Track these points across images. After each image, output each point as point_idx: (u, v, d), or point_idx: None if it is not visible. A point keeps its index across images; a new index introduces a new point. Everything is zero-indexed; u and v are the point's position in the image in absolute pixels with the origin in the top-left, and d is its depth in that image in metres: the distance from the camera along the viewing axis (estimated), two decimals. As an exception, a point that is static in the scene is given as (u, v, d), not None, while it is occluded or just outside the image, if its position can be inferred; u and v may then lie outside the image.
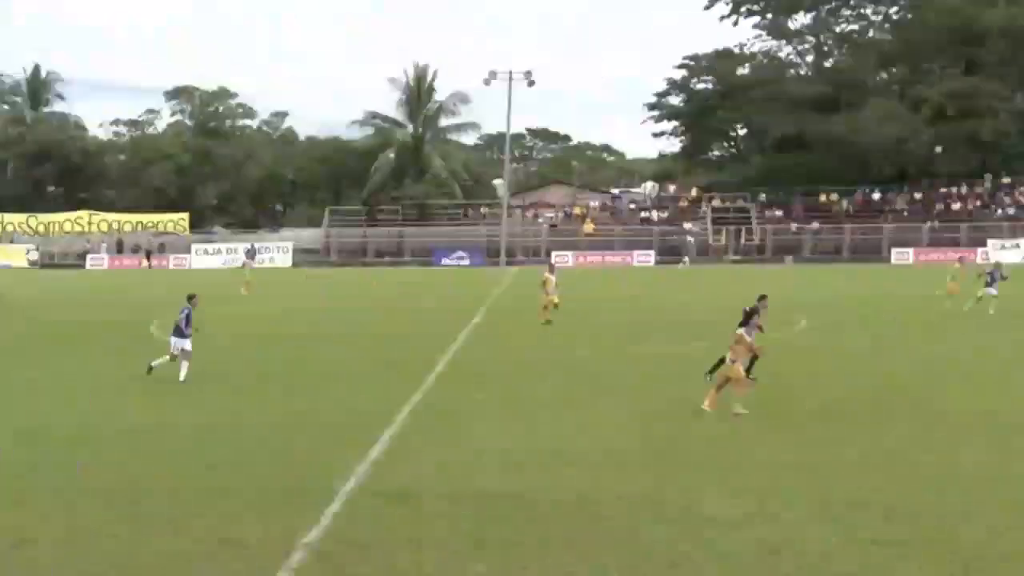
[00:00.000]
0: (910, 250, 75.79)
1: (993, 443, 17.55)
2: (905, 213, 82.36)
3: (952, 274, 41.74)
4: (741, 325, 21.19)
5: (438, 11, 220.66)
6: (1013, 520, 12.94)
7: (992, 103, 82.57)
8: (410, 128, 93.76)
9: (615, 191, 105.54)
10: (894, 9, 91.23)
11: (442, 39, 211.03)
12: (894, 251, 76.06)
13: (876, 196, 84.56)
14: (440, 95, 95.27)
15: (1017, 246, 74.42)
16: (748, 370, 22.01)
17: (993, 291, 37.08)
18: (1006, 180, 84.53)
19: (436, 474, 15.26)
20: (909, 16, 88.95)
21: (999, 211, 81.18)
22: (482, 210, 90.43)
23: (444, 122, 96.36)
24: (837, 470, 15.57)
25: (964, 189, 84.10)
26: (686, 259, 73.90)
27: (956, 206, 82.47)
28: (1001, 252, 72.26)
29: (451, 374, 25.14)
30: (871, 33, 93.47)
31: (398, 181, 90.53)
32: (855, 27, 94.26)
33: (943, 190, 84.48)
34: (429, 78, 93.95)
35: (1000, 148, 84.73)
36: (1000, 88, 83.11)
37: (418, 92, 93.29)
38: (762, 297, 23.91)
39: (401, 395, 21.30)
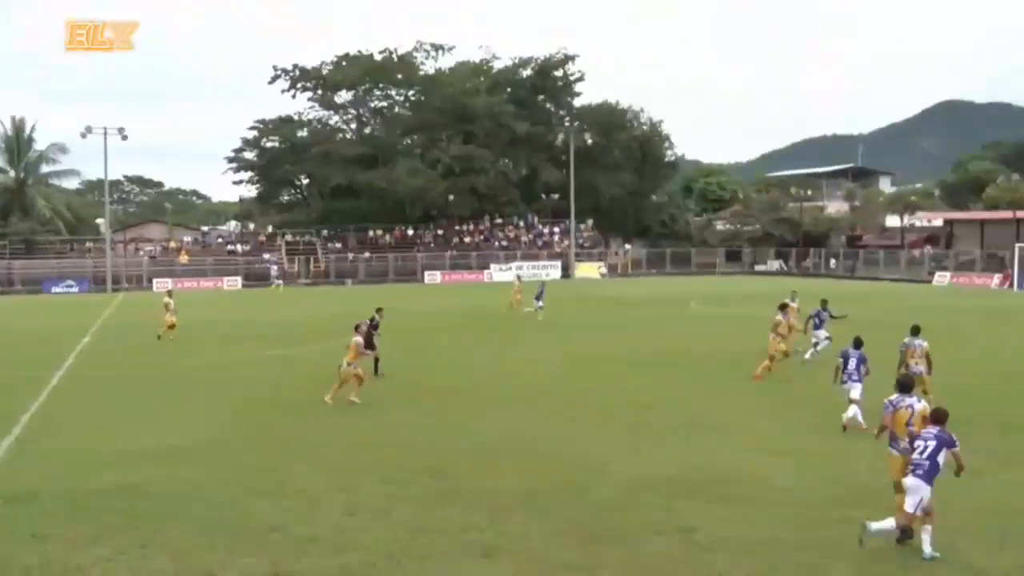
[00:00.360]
0: (438, 272, 79.86)
1: (522, 413, 19.15)
2: (432, 245, 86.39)
3: (515, 290, 45.52)
4: (369, 335, 22.28)
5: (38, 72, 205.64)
6: (528, 470, 14.29)
7: (484, 164, 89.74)
8: (12, 173, 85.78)
9: (205, 228, 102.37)
10: (411, 92, 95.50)
11: (38, 94, 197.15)
12: (426, 274, 79.65)
13: (410, 232, 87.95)
14: (40, 145, 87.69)
15: (510, 269, 79.51)
16: (376, 370, 23.38)
17: (541, 304, 40.32)
18: (499, 221, 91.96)
19: (56, 474, 14.32)
20: (423, 98, 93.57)
21: (496, 243, 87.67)
22: (87, 244, 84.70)
23: (46, 168, 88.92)
24: (397, 444, 16.29)
25: (471, 227, 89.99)
26: (280, 281, 73.75)
27: (467, 239, 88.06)
28: (498, 273, 78.89)
29: (65, 387, 23.52)
30: (396, 109, 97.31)
31: (4, 220, 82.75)
32: (384, 104, 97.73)
33: (457, 228, 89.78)
34: (28, 130, 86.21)
35: (493, 197, 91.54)
36: (488, 154, 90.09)
37: (17, 142, 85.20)
38: (379, 310, 25.72)
39: (17, 408, 19.77)
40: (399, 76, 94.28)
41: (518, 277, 53.99)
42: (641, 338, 33.90)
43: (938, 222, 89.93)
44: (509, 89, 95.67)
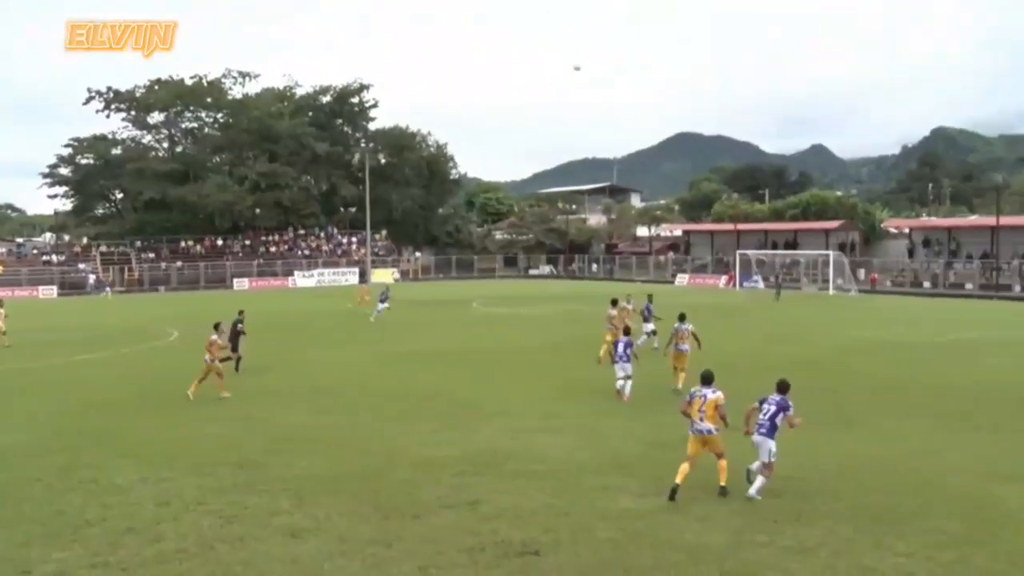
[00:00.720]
0: (246, 279, 76.93)
1: (326, 406, 18.86)
2: (240, 254, 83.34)
3: (360, 294, 44.96)
4: (234, 335, 23.12)
5: None
6: (331, 458, 14.14)
7: (288, 181, 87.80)
8: None
9: (19, 240, 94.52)
10: (220, 115, 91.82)
11: None
12: (235, 281, 76.65)
13: (220, 242, 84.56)
14: None
15: (312, 276, 79.15)
16: (236, 365, 23.43)
17: (385, 305, 39.79)
18: (302, 232, 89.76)
19: None
20: (231, 120, 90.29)
21: (299, 252, 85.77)
22: (-101, 257, 76.77)
23: None
24: (210, 439, 15.77)
25: (276, 237, 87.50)
26: (108, 290, 69.59)
27: (273, 249, 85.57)
28: (301, 280, 77.37)
29: None
30: (206, 130, 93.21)
31: None
32: (195, 125, 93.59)
33: (263, 238, 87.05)
34: None
35: (296, 210, 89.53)
36: (292, 171, 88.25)
37: None
38: (241, 312, 25.32)
39: None
40: (208, 100, 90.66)
41: (365, 282, 53.93)
42: (432, 335, 34.08)
43: (678, 232, 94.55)
44: (310, 113, 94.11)
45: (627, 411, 18.07)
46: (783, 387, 12.17)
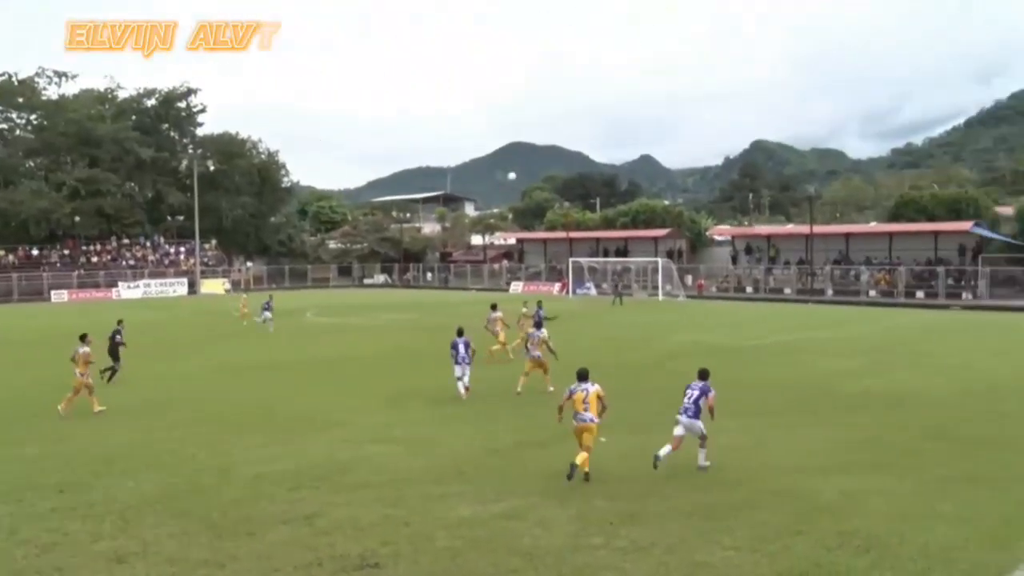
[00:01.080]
0: (65, 291, 72.36)
1: (152, 422, 17.82)
2: (59, 265, 78.36)
3: (242, 302, 43.71)
4: (113, 345, 23.37)
5: None
6: (158, 477, 13.38)
7: (111, 187, 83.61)
8: None
9: None
10: (33, 116, 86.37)
11: None
12: (53, 293, 71.95)
13: (35, 252, 79.16)
14: None
15: (138, 286, 75.55)
16: (111, 375, 23.19)
17: (269, 315, 39.59)
18: (126, 241, 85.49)
19: None
20: (46, 122, 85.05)
21: (124, 262, 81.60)
22: None
23: None
24: (24, 462, 14.73)
25: (99, 247, 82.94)
26: None
27: (95, 259, 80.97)
28: (126, 291, 73.65)
29: None
30: (18, 132, 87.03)
31: None
32: (5, 126, 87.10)
33: (84, 248, 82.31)
34: None
35: (120, 219, 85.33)
36: (114, 178, 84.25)
37: None
38: (120, 321, 25.26)
39: None
40: (20, 100, 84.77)
41: (247, 291, 52.53)
42: (264, 346, 33.25)
43: (512, 240, 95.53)
44: (134, 117, 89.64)
45: (464, 418, 18.14)
46: (704, 374, 13.94)
